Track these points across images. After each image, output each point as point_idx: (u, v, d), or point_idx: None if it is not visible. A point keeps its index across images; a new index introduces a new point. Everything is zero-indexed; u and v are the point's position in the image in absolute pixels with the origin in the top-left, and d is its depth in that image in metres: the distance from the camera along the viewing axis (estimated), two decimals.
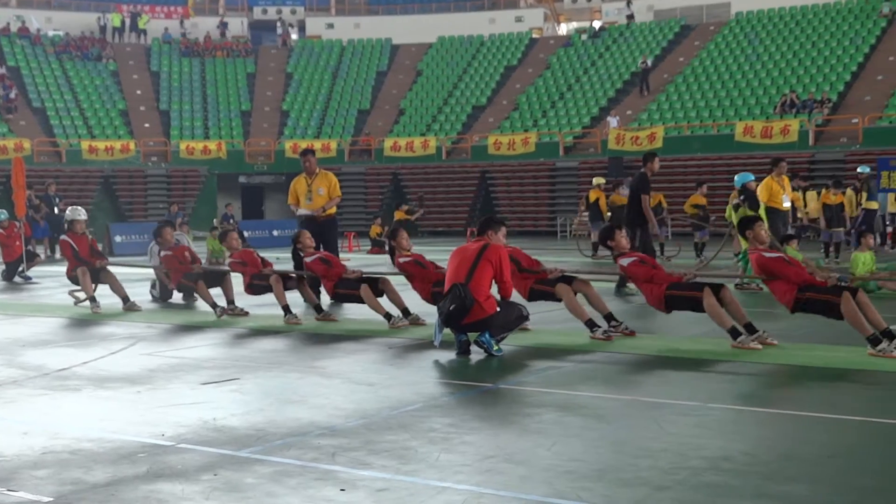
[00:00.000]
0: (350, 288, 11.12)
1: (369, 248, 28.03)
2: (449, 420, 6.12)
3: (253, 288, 11.96)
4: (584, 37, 47.16)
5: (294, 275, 11.82)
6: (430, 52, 49.30)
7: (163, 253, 13.32)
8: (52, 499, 4.62)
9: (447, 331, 8.74)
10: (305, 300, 11.82)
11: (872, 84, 36.35)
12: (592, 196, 23.26)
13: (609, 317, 9.56)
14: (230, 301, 12.09)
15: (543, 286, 9.86)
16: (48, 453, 5.44)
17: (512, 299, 9.14)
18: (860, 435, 5.75)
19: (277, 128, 44.87)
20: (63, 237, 13.58)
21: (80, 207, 14.34)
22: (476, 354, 8.60)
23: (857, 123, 32.99)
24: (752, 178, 15.77)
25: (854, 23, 40.86)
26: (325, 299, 11.94)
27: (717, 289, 8.91)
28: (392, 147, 40.64)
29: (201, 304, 13.00)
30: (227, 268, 12.62)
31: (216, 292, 12.28)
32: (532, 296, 9.99)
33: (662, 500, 4.45)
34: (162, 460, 5.26)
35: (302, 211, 13.94)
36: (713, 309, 8.71)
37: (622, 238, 9.75)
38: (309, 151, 14.46)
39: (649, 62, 40.65)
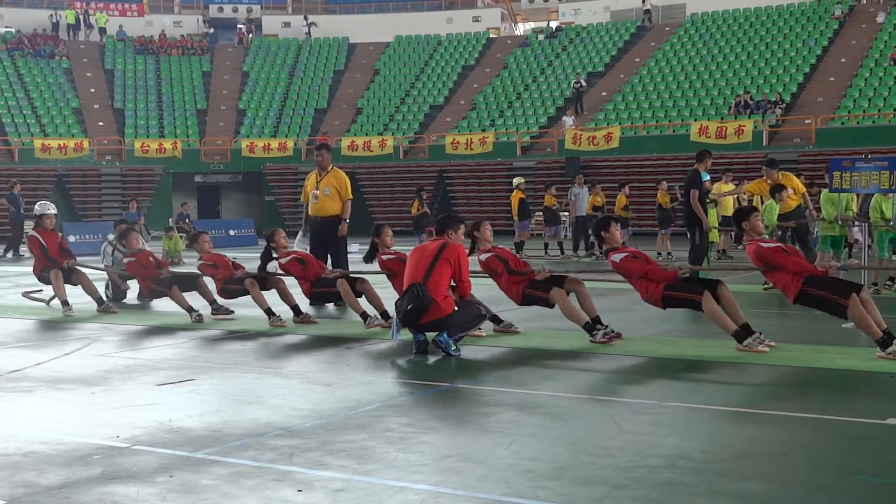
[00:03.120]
0: (327, 286, 10.82)
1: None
2: (407, 420, 6.11)
3: (226, 291, 11.62)
4: (541, 37, 47.35)
5: (268, 277, 11.37)
6: (388, 52, 49.27)
7: (126, 259, 12.77)
8: (4, 502, 4.56)
9: (405, 329, 8.73)
10: (284, 300, 11.21)
11: (825, 85, 36.85)
12: (515, 196, 23.73)
13: (596, 320, 9.17)
14: (212, 302, 11.69)
15: (536, 291, 9.44)
16: (0, 456, 5.36)
17: (478, 298, 9.09)
18: (815, 433, 5.81)
19: (234, 127, 44.58)
20: (31, 233, 13.01)
21: (49, 202, 13.63)
22: (434, 354, 8.60)
23: (810, 124, 33.42)
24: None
25: (807, 24, 41.41)
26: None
27: (713, 286, 8.71)
28: (349, 146, 40.53)
29: (156, 304, 12.88)
30: (197, 272, 12.12)
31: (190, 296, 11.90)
32: (525, 300, 9.61)
33: (620, 499, 4.48)
34: (117, 462, 5.20)
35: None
36: (713, 313, 8.51)
37: (616, 231, 9.39)
38: (323, 146, 13.57)
39: (584, 82, 40.63)
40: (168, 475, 4.94)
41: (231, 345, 9.72)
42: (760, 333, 8.55)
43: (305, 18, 51.79)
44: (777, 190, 15.50)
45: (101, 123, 43.27)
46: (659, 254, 21.21)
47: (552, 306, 9.36)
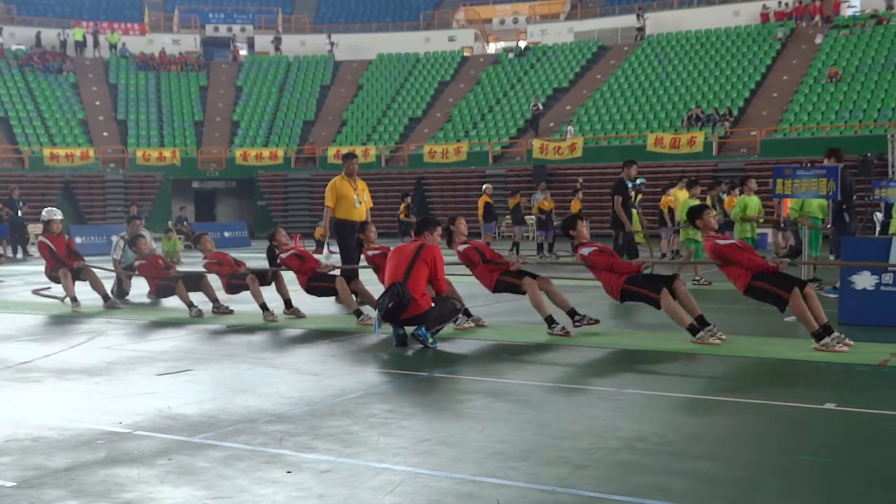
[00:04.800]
0: (324, 281, 10.76)
1: (314, 248, 27.92)
2: (387, 406, 6.10)
3: (231, 287, 11.53)
4: (510, 55, 47.39)
5: (271, 272, 11.34)
6: (370, 68, 49.18)
7: (138, 262, 12.61)
8: (14, 483, 4.52)
9: (386, 324, 8.72)
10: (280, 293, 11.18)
11: (769, 100, 37.11)
12: (481, 201, 23.82)
13: (571, 312, 9.18)
14: (214, 300, 11.54)
15: (510, 278, 9.48)
16: (11, 441, 5.31)
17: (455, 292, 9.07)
18: (759, 417, 5.84)
19: (228, 137, 44.42)
20: (41, 238, 12.89)
21: (55, 208, 13.47)
22: (412, 346, 8.59)
23: (756, 136, 33.66)
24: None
25: (752, 45, 41.66)
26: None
27: (670, 281, 8.64)
28: (335, 155, 40.45)
29: (164, 301, 12.78)
30: (202, 271, 11.93)
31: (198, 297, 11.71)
32: (498, 287, 9.60)
33: (582, 478, 4.48)
34: (119, 447, 5.16)
35: (345, 217, 12.59)
36: (671, 309, 8.45)
37: (583, 228, 9.38)
38: (354, 155, 13.09)
39: (541, 105, 40.44)
40: (167, 458, 4.91)
41: (226, 338, 9.67)
42: (714, 326, 8.54)
43: (329, 37, 51.37)
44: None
45: (105, 134, 42.98)
46: (664, 254, 21.12)
47: (523, 293, 9.34)
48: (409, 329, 8.65)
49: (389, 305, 8.46)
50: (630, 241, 14.56)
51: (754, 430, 5.49)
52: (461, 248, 9.83)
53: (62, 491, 4.39)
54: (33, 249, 26.77)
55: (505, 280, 9.53)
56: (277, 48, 51.34)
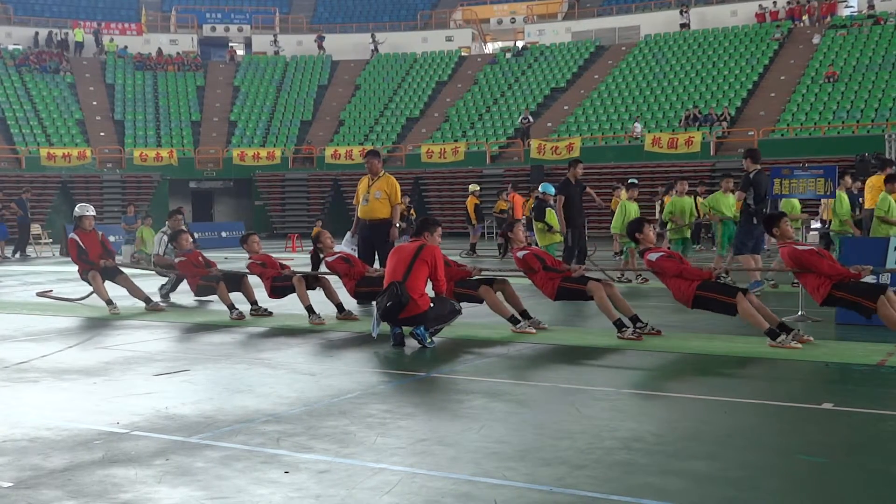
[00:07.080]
0: (372, 285, 10.47)
1: (311, 248, 27.90)
2: (385, 406, 6.10)
3: (274, 290, 11.13)
4: (508, 55, 47.40)
5: (316, 276, 11.02)
6: (368, 68, 49.16)
7: (177, 259, 12.17)
8: (11, 484, 4.51)
9: (384, 324, 8.72)
10: (329, 299, 10.85)
11: (766, 100, 37.13)
12: (470, 202, 23.91)
13: (634, 318, 8.89)
14: (253, 302, 11.27)
15: (573, 284, 9.25)
16: (8, 441, 5.31)
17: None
18: (758, 417, 5.84)
19: (225, 137, 44.38)
20: (71, 235, 12.36)
21: (88, 205, 12.76)
22: (410, 346, 8.58)
23: (753, 136, 33.66)
24: (552, 190, 15.86)
25: (750, 45, 41.69)
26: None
27: (745, 290, 8.37)
28: (332, 155, 40.47)
29: (186, 299, 12.77)
30: (244, 271, 11.66)
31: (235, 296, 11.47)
32: (560, 295, 9.39)
33: (579, 478, 4.48)
34: (117, 447, 5.16)
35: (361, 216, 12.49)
36: (747, 313, 8.18)
37: (650, 232, 9.11)
38: (372, 153, 12.90)
39: (531, 118, 40.08)
40: (164, 458, 4.91)
41: (224, 337, 9.66)
42: (798, 331, 8.27)
43: (373, 37, 50.89)
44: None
45: (102, 134, 42.94)
46: (616, 253, 21.21)
47: (590, 298, 9.19)
48: (407, 329, 8.64)
49: (388, 305, 8.45)
50: (571, 244, 14.62)
51: (752, 429, 5.49)
52: (520, 254, 9.65)
53: (59, 491, 4.38)
54: (30, 250, 26.88)
55: (568, 287, 9.30)
56: (321, 46, 50.97)
